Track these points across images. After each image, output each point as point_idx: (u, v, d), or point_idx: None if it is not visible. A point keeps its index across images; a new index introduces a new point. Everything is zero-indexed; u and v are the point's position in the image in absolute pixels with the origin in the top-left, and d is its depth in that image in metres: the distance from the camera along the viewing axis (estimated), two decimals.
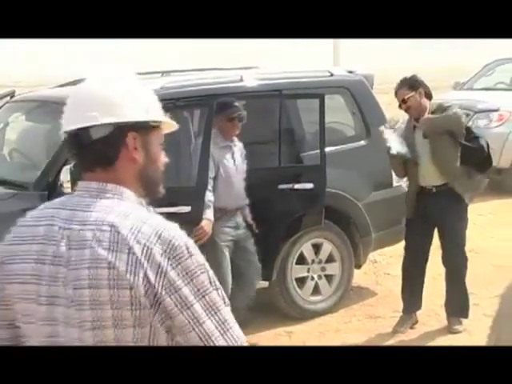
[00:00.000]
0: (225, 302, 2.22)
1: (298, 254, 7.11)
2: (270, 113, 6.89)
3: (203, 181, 6.22)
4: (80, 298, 2.14)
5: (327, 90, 7.22)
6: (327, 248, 7.26)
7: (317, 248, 7.23)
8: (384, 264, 8.51)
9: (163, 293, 2.13)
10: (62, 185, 6.08)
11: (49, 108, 7.26)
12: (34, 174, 6.40)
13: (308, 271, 7.20)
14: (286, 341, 6.42)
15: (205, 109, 6.53)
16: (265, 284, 6.87)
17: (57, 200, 2.36)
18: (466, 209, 6.63)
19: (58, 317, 2.18)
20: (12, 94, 7.73)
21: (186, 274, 2.15)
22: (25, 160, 7.26)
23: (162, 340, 2.20)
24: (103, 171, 2.26)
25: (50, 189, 6.16)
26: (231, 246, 6.41)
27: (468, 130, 6.69)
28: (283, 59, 22.19)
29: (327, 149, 6.85)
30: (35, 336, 2.25)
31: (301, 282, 7.17)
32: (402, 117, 6.85)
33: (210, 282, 2.19)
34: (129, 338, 2.16)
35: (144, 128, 2.28)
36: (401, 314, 6.91)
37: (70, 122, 2.26)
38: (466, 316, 6.68)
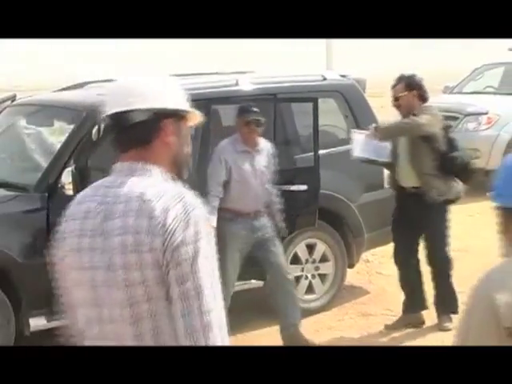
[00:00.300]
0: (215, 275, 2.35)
1: (292, 254, 7.12)
2: (264, 116, 6.88)
3: (200, 184, 6.21)
4: (113, 262, 2.36)
5: (320, 94, 7.24)
6: (321, 248, 7.27)
7: (310, 248, 7.23)
8: (376, 263, 8.51)
9: (168, 249, 2.30)
10: (63, 186, 6.08)
11: (49, 112, 7.26)
12: (34, 176, 6.39)
13: (302, 270, 7.20)
14: (280, 338, 6.42)
15: (201, 112, 6.50)
16: (260, 283, 6.87)
17: (97, 182, 2.55)
18: (446, 209, 6.63)
19: (99, 281, 2.40)
20: (13, 98, 7.73)
21: (194, 234, 2.31)
22: (26, 163, 7.25)
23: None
24: (139, 151, 2.47)
25: (50, 191, 6.15)
26: (247, 248, 6.36)
27: (449, 139, 6.64)
28: (283, 59, 22.04)
29: (321, 151, 6.86)
30: (83, 302, 2.47)
31: (295, 281, 7.15)
32: (394, 120, 6.86)
33: (212, 251, 2.36)
34: (155, 295, 2.33)
35: (177, 116, 2.54)
36: (392, 312, 6.91)
37: (114, 105, 2.47)
38: (456, 311, 6.66)
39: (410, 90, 6.54)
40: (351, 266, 7.57)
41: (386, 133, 6.59)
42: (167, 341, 2.33)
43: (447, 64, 14.84)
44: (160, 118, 2.48)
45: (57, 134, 7.80)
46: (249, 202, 6.34)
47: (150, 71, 2.62)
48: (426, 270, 6.84)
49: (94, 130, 6.78)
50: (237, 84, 7.04)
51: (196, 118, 2.63)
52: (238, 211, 6.31)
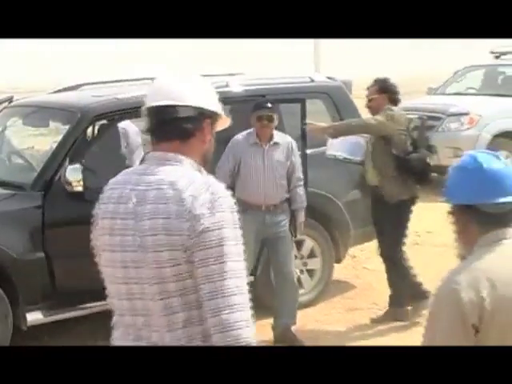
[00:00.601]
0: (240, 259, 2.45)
1: None
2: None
3: None
4: (144, 243, 2.47)
5: (308, 95, 7.25)
6: (309, 244, 7.26)
7: (299, 244, 7.22)
8: (363, 259, 8.51)
9: (194, 234, 2.40)
10: (70, 184, 6.05)
11: (45, 113, 7.25)
12: (31, 175, 6.38)
13: None
14: (270, 332, 6.41)
15: None
16: (250, 278, 6.85)
17: (130, 168, 2.69)
18: (402, 209, 6.61)
19: (129, 261, 2.51)
20: (10, 100, 7.71)
21: (219, 221, 2.42)
22: (22, 162, 7.23)
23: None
24: (176, 144, 2.57)
25: (46, 189, 6.15)
26: (257, 242, 6.34)
27: (413, 140, 6.65)
28: (283, 59, 21.91)
29: (308, 151, 6.85)
30: (115, 279, 2.57)
31: None
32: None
33: (236, 238, 2.45)
34: (182, 275, 2.43)
35: (214, 118, 2.65)
36: (378, 306, 6.92)
37: (159, 99, 2.57)
38: (426, 297, 6.68)
39: (381, 93, 6.65)
40: (338, 261, 7.57)
41: (334, 131, 6.70)
42: (197, 315, 2.44)
43: (447, 64, 14.72)
44: (202, 117, 2.59)
45: (53, 135, 7.78)
46: (258, 194, 6.30)
47: (179, 70, 2.70)
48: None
49: (89, 130, 6.77)
50: (227, 85, 7.04)
51: (226, 122, 2.74)
52: (248, 203, 6.25)
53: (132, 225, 2.50)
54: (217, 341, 2.37)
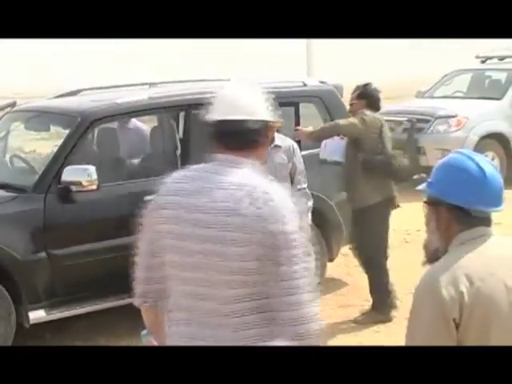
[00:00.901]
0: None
1: None
2: None
3: None
4: (216, 237, 2.56)
5: (301, 99, 7.29)
6: None
7: None
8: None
9: (271, 235, 2.53)
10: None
11: (46, 117, 7.25)
12: (32, 177, 6.39)
13: None
14: None
15: (187, 116, 6.54)
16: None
17: (198, 166, 2.75)
18: (371, 212, 6.58)
19: (195, 250, 2.59)
20: (13, 105, 7.72)
21: (293, 226, 2.56)
22: (24, 165, 7.24)
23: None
24: (244, 151, 2.70)
25: (47, 191, 6.15)
26: None
27: (383, 143, 6.66)
28: (283, 59, 21.72)
29: (302, 153, 6.86)
30: (177, 265, 2.65)
31: None
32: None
33: (305, 240, 2.62)
34: (251, 270, 2.53)
35: (269, 127, 2.79)
36: (369, 302, 6.92)
37: (235, 112, 2.70)
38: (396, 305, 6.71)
39: (360, 98, 6.66)
40: (331, 259, 7.58)
41: (316, 135, 6.70)
42: (259, 306, 2.56)
43: (447, 64, 14.58)
44: (266, 129, 2.75)
45: (54, 139, 7.78)
46: None
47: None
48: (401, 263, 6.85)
49: (88, 134, 6.77)
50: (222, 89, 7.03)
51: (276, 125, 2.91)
52: None
53: (202, 218, 2.58)
54: (292, 330, 2.54)
